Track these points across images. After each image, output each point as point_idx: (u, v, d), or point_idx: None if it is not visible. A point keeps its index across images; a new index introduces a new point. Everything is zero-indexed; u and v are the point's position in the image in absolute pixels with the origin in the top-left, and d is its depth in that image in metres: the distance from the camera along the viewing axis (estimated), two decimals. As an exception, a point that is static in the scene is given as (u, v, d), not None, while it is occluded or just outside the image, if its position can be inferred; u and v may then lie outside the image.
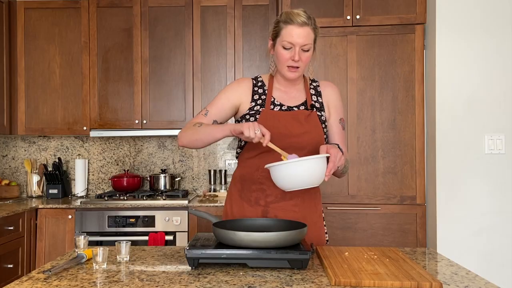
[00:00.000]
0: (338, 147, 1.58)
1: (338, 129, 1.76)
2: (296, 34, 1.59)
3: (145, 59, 3.39)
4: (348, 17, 2.92)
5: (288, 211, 1.68)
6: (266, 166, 1.50)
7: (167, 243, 3.01)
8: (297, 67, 1.64)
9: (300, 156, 1.51)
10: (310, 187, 1.49)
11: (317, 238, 1.71)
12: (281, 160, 1.49)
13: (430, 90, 2.87)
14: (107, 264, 1.42)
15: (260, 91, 1.74)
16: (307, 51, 1.63)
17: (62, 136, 3.73)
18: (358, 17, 2.91)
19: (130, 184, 3.46)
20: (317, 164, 1.45)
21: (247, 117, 1.70)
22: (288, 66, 1.64)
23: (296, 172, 1.44)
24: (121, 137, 3.69)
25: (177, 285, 1.22)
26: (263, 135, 1.47)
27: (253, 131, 1.46)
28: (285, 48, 1.62)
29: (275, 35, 1.66)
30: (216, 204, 3.06)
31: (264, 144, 1.47)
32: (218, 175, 3.60)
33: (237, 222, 1.52)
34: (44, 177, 3.56)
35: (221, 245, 1.37)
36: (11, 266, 2.87)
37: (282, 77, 1.72)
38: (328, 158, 1.48)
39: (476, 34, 2.77)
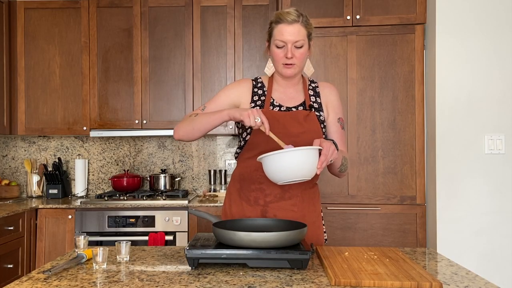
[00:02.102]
0: (334, 142, 1.58)
1: (336, 128, 1.77)
2: (287, 32, 1.63)
3: (145, 59, 3.39)
4: (348, 17, 2.92)
5: (287, 210, 1.68)
6: (258, 158, 1.50)
7: (167, 243, 3.01)
8: (292, 64, 1.66)
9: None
10: (302, 180, 1.47)
11: (315, 238, 1.71)
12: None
13: (430, 90, 2.87)
14: (107, 264, 1.42)
15: (260, 92, 1.75)
16: (301, 47, 1.65)
17: (62, 136, 3.73)
18: (358, 17, 2.91)
19: (130, 184, 3.46)
20: (308, 155, 1.44)
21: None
22: (283, 64, 1.67)
23: (287, 162, 1.42)
24: (121, 137, 3.69)
25: (177, 285, 1.22)
26: (262, 123, 1.48)
27: (253, 119, 1.48)
28: (278, 47, 1.66)
29: (269, 36, 1.71)
30: (216, 204, 3.06)
31: (266, 133, 1.49)
32: (218, 175, 3.60)
33: (237, 222, 1.52)
34: (44, 177, 3.56)
35: (221, 245, 1.37)
36: (11, 266, 2.87)
37: (280, 76, 1.74)
38: (320, 151, 1.48)
39: (476, 34, 2.77)
